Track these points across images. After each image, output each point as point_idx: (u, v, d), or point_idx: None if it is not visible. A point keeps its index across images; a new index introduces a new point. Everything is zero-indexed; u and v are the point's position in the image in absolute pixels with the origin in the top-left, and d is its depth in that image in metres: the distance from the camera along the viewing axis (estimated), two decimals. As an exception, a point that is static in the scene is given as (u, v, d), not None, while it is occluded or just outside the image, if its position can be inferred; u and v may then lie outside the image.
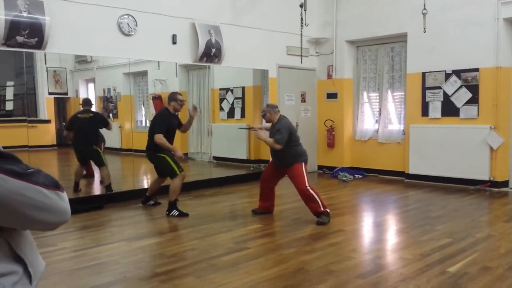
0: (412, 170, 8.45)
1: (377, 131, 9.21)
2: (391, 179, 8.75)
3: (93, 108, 7.61)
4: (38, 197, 0.98)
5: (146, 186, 7.85)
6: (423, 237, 4.84)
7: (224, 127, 9.73)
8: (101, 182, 7.17)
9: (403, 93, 8.87)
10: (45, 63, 7.35)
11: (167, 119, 5.95)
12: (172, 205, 5.86)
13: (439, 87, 8.08)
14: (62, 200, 1.04)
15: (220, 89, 9.70)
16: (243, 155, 9.58)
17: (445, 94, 8.02)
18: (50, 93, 7.83)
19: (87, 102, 7.41)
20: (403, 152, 8.67)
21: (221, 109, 9.76)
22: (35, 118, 7.43)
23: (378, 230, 5.49)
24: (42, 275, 1.16)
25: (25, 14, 5.75)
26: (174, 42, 7.42)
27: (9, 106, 7.48)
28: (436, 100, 8.13)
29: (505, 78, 7.46)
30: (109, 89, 8.91)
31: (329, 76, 9.70)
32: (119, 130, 8.60)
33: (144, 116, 10.18)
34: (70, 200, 1.09)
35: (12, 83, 7.34)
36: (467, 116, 7.77)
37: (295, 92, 9.59)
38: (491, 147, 7.49)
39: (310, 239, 4.88)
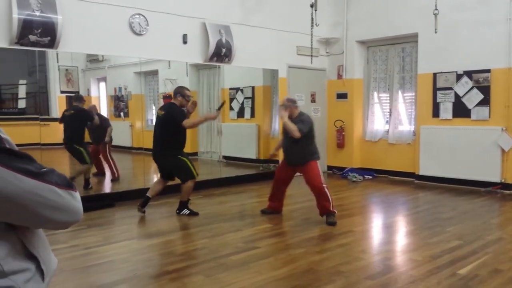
0: (423, 171, 8.41)
1: (387, 131, 9.17)
2: (401, 180, 8.71)
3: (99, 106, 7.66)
4: (51, 196, 0.99)
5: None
6: (433, 239, 4.81)
7: (234, 127, 9.75)
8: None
9: (413, 94, 8.82)
10: (57, 62, 7.41)
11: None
12: (184, 205, 5.86)
13: (450, 88, 8.02)
14: (75, 199, 1.06)
15: (230, 89, 9.72)
16: (252, 155, 9.59)
17: (456, 95, 7.97)
18: (62, 92, 7.89)
19: (75, 99, 7.36)
20: (414, 153, 8.63)
21: (231, 108, 9.78)
22: (47, 117, 7.49)
23: (387, 231, 5.48)
24: (55, 272, 1.17)
25: (37, 13, 5.81)
26: (184, 42, 7.45)
27: (22, 104, 7.55)
28: (447, 101, 8.08)
29: (518, 80, 7.39)
30: (120, 88, 8.97)
31: (339, 76, 9.68)
32: (130, 129, 8.65)
33: (155, 115, 10.23)
34: (82, 198, 1.11)
35: (24, 81, 7.41)
36: (478, 117, 7.71)
37: (305, 92, 9.57)
38: (502, 149, 7.43)
39: (320, 240, 4.88)
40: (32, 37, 5.80)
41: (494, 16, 7.42)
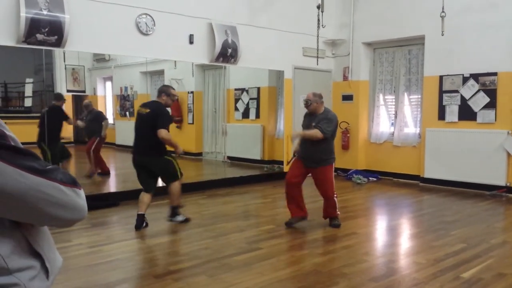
0: (428, 174, 8.38)
1: (393, 134, 9.15)
2: (405, 182, 8.69)
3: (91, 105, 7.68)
4: (56, 193, 1.00)
5: (161, 184, 7.92)
6: (437, 242, 4.80)
7: (239, 127, 9.76)
8: None
9: (419, 96, 8.80)
10: (64, 61, 7.46)
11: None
12: (176, 210, 5.45)
13: (457, 91, 8.00)
14: (79, 197, 1.06)
15: (236, 89, 9.74)
16: (257, 156, 9.60)
17: (462, 98, 7.94)
18: (68, 91, 7.94)
19: (54, 97, 7.27)
20: (419, 155, 8.60)
21: (236, 109, 9.79)
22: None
23: (391, 233, 5.46)
24: (59, 270, 1.18)
25: (45, 12, 5.84)
26: (191, 42, 7.46)
27: (28, 102, 7.60)
28: (453, 104, 8.06)
29: (524, 83, 7.36)
30: (126, 88, 9.01)
31: (345, 78, 9.67)
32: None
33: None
34: (86, 197, 1.11)
35: (31, 80, 7.46)
36: (484, 120, 7.68)
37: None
38: (508, 153, 7.39)
39: (323, 241, 4.88)
40: (39, 36, 5.83)
41: (501, 19, 7.39)
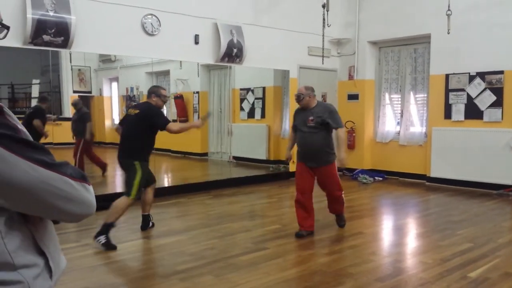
0: (434, 173, 8.35)
1: (399, 133, 9.13)
2: (412, 182, 8.66)
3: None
4: (65, 187, 1.01)
5: (166, 185, 7.95)
6: (443, 241, 4.78)
7: (244, 127, 9.76)
8: None
9: (425, 95, 8.77)
10: (70, 62, 7.49)
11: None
12: (105, 228, 4.53)
13: (463, 90, 7.96)
14: (89, 192, 1.08)
15: (241, 89, 9.74)
16: (262, 156, 9.60)
17: (468, 96, 7.91)
18: (74, 92, 7.97)
19: (38, 99, 7.21)
20: (425, 155, 8.58)
21: (242, 109, 9.80)
22: (59, 116, 7.58)
23: (398, 233, 5.45)
24: (63, 272, 1.18)
25: (51, 13, 5.87)
26: (196, 42, 7.48)
27: (35, 103, 7.64)
28: (460, 102, 8.02)
29: (531, 81, 7.32)
30: (132, 88, 9.04)
31: (351, 77, 9.65)
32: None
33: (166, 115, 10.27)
34: (96, 197, 1.12)
35: (37, 81, 7.50)
36: (490, 119, 7.65)
37: (316, 93, 9.45)
38: (515, 151, 7.36)
39: (329, 241, 4.87)
40: (46, 37, 5.86)
41: (507, 17, 7.35)
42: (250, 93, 9.66)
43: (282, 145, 9.45)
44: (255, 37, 8.12)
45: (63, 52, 6.66)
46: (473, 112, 7.85)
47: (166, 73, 9.49)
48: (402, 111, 9.10)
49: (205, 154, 10.19)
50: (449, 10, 6.78)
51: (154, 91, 4.96)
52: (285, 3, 8.65)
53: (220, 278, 3.72)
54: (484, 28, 7.60)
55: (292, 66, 9.00)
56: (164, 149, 8.14)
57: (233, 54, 7.81)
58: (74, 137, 7.50)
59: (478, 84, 7.76)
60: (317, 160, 4.91)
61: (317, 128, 4.85)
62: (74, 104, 7.73)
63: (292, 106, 9.07)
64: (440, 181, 8.23)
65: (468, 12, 7.68)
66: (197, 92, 9.86)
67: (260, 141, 9.57)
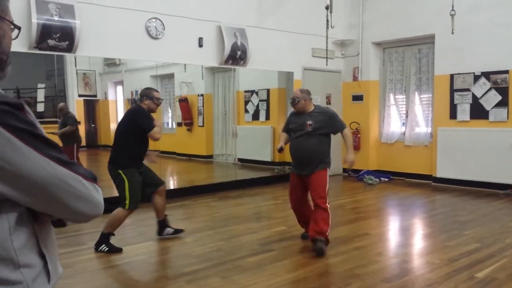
0: (440, 173, 8.32)
1: (404, 133, 9.11)
2: (418, 182, 8.64)
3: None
4: (78, 186, 1.04)
5: (172, 187, 7.96)
6: (450, 242, 4.76)
7: (249, 129, 9.77)
8: None
9: (430, 95, 8.75)
10: (75, 66, 7.53)
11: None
12: (104, 238, 4.50)
13: (468, 89, 7.94)
14: (98, 193, 1.10)
15: (245, 91, 9.75)
16: (267, 157, 9.60)
17: (474, 96, 7.88)
18: (80, 95, 8.01)
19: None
20: (431, 155, 8.55)
21: (246, 111, 9.81)
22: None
23: (404, 234, 5.43)
24: (58, 279, 1.18)
25: (56, 18, 5.90)
26: (200, 45, 7.50)
27: (40, 108, 7.67)
28: (465, 102, 8.00)
29: (537, 80, 7.28)
30: (136, 92, 9.06)
31: (355, 78, 9.64)
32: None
33: (171, 118, 10.32)
34: (103, 200, 1.13)
35: (43, 85, 7.53)
36: (496, 119, 7.62)
37: (320, 94, 9.55)
38: (521, 151, 7.32)
39: (335, 242, 4.86)
40: (51, 42, 5.90)
41: (511, 16, 7.32)
42: (254, 95, 9.67)
43: (286, 147, 9.44)
44: (258, 39, 8.13)
45: (68, 57, 6.69)
46: (478, 112, 7.82)
47: (170, 76, 9.52)
48: (407, 111, 9.08)
49: (210, 156, 10.20)
50: (453, 10, 6.77)
51: (145, 93, 4.67)
52: (288, 5, 8.66)
53: (227, 280, 3.73)
54: (488, 28, 7.57)
55: (296, 68, 9.00)
56: (169, 152, 8.15)
57: (237, 56, 7.83)
58: (62, 143, 7.10)
59: (483, 84, 7.74)
60: (311, 166, 4.52)
61: (313, 133, 4.55)
62: (60, 109, 7.63)
63: (296, 107, 9.07)
64: (446, 181, 8.20)
65: (472, 12, 7.66)
66: (202, 95, 9.88)
67: (265, 143, 9.57)
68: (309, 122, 4.55)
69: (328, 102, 9.71)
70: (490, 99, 7.68)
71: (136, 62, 8.24)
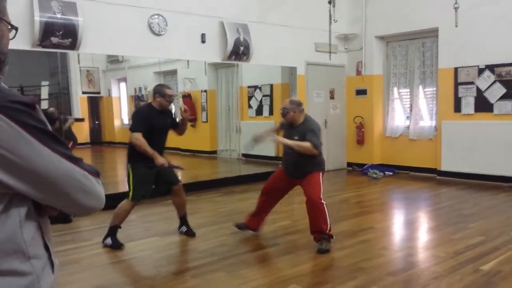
0: (444, 167, 8.31)
1: (408, 127, 9.08)
2: (422, 176, 8.62)
3: None
4: (84, 181, 1.09)
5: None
6: (455, 235, 4.76)
7: (253, 124, 9.76)
8: None
9: (434, 89, 8.72)
10: (79, 63, 7.54)
11: (148, 115, 4.59)
12: (111, 231, 4.60)
13: (472, 83, 7.91)
14: (101, 187, 1.17)
15: (249, 87, 9.74)
16: (271, 152, 9.59)
17: (478, 89, 7.85)
18: (83, 93, 8.03)
19: None
20: (435, 148, 8.53)
21: (250, 106, 9.81)
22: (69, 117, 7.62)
23: (409, 227, 5.43)
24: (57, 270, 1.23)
25: (59, 16, 5.91)
26: (203, 41, 7.49)
27: (44, 105, 7.69)
28: (469, 95, 7.97)
29: (542, 72, 7.25)
30: (140, 88, 9.08)
31: (359, 72, 9.61)
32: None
33: (174, 115, 10.32)
34: (106, 196, 1.19)
35: (47, 83, 7.55)
36: (501, 111, 7.59)
37: (324, 89, 9.55)
38: (526, 144, 7.30)
39: (340, 236, 4.86)
40: (54, 39, 5.91)
41: (516, 8, 7.29)
42: (257, 90, 9.66)
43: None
44: (261, 34, 8.11)
45: (71, 54, 6.70)
46: (483, 105, 7.79)
47: (173, 73, 9.52)
48: (411, 105, 9.05)
49: (214, 152, 10.21)
50: (456, 3, 6.75)
51: (157, 90, 4.70)
52: (291, 0, 8.64)
53: (232, 274, 3.74)
54: (492, 21, 7.53)
55: (300, 63, 8.98)
56: (174, 148, 8.13)
57: (240, 52, 7.82)
58: None
59: (488, 77, 7.70)
60: (301, 173, 4.45)
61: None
62: (51, 114, 7.49)
63: (300, 102, 9.06)
64: (451, 174, 8.19)
65: (476, 5, 7.62)
66: (205, 91, 9.88)
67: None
68: (296, 138, 4.36)
69: (332, 97, 9.70)
70: (495, 92, 7.65)
71: (139, 59, 8.25)
